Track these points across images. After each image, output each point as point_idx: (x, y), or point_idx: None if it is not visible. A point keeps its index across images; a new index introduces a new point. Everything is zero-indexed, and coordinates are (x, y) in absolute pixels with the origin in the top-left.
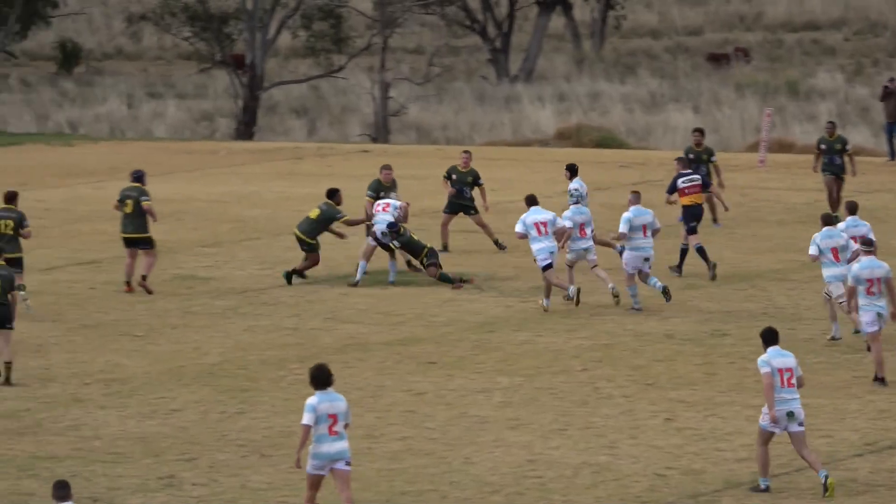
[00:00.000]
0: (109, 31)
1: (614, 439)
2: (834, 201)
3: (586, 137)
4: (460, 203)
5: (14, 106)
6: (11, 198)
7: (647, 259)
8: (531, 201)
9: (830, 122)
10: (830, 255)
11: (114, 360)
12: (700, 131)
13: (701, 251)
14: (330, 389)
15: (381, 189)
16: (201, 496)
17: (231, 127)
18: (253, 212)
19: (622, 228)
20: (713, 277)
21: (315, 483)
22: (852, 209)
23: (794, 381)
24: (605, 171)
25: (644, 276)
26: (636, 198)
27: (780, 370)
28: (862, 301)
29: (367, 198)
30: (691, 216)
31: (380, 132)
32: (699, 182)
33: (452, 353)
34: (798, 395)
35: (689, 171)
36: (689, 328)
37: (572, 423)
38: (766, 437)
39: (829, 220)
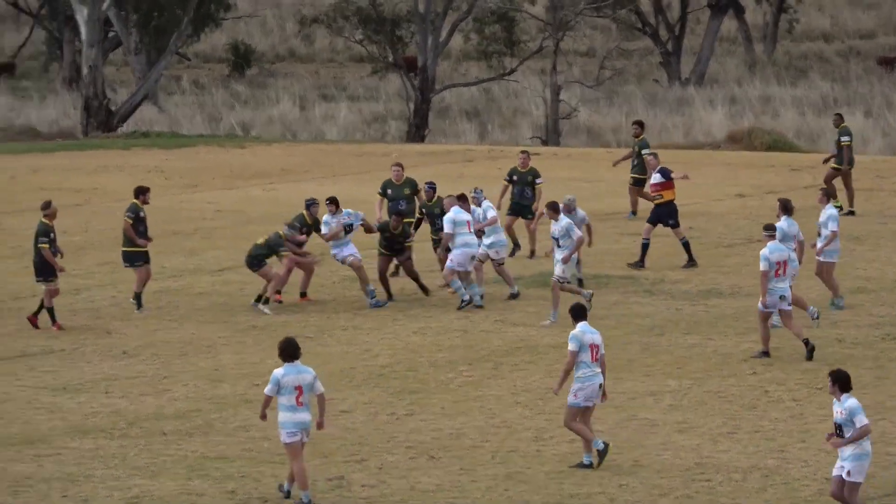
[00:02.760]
0: (282, 33)
1: (784, 443)
2: None
3: (757, 141)
4: (522, 204)
5: (187, 108)
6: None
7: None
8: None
9: None
10: None
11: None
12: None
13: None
14: (297, 362)
15: (389, 187)
16: (370, 497)
17: (402, 129)
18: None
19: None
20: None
21: (296, 451)
22: None
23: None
24: (776, 174)
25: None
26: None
27: (590, 345)
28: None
29: (379, 195)
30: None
31: (550, 135)
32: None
33: (621, 357)
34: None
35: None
36: (859, 332)
37: (741, 426)
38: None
39: None
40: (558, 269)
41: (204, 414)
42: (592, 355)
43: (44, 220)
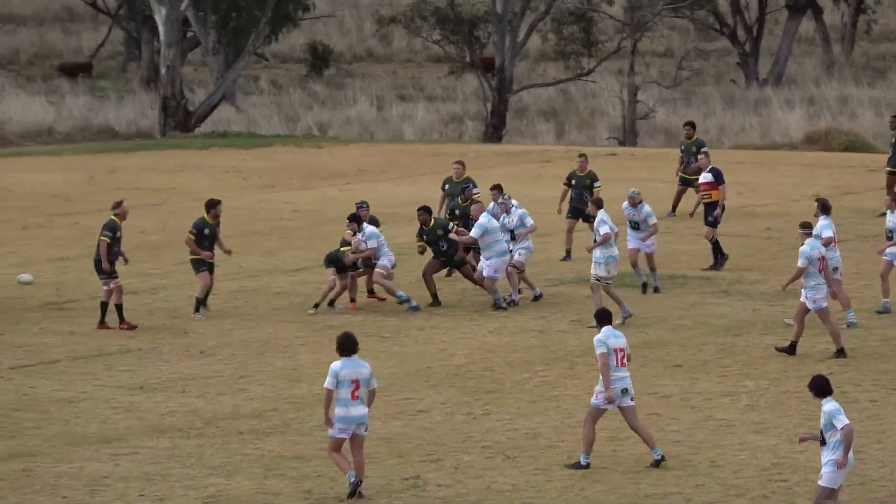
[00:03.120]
0: (360, 33)
1: (860, 443)
2: None
3: (835, 141)
4: (580, 208)
5: (264, 108)
6: None
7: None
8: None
9: None
10: None
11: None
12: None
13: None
14: (355, 356)
15: (448, 184)
16: (446, 497)
17: (479, 130)
18: None
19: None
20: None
21: (338, 446)
22: None
23: (626, 360)
24: (853, 175)
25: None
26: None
27: (615, 350)
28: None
29: (442, 191)
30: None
31: (627, 135)
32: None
33: (698, 357)
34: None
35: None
36: None
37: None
38: (597, 414)
39: None
40: (599, 270)
41: (281, 413)
42: (618, 359)
43: (113, 217)
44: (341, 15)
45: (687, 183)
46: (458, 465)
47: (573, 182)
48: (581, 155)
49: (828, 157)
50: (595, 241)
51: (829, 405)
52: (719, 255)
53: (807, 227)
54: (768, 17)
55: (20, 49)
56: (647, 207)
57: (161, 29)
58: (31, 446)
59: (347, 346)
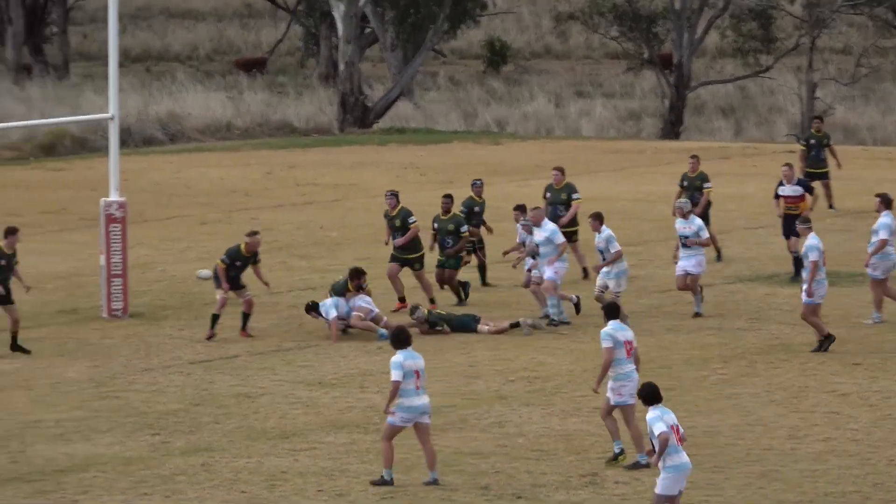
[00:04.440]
0: (538, 30)
1: None
2: None
3: None
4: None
5: (442, 104)
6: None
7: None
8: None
9: None
10: None
11: (538, 357)
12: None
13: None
14: (410, 348)
15: (549, 191)
16: (623, 494)
17: (657, 126)
18: None
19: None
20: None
21: (394, 434)
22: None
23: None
24: None
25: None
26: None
27: (624, 342)
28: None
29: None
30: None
31: (806, 132)
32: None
33: (877, 355)
34: None
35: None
36: None
37: None
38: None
39: None
40: (609, 282)
41: (458, 409)
42: (627, 352)
43: (243, 246)
44: (519, 11)
45: (814, 176)
46: (636, 463)
47: (685, 183)
48: (693, 156)
49: None
50: (604, 259)
51: (649, 414)
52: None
53: (807, 222)
54: None
55: (199, 45)
56: (698, 220)
57: (339, 25)
58: (210, 441)
59: (402, 338)
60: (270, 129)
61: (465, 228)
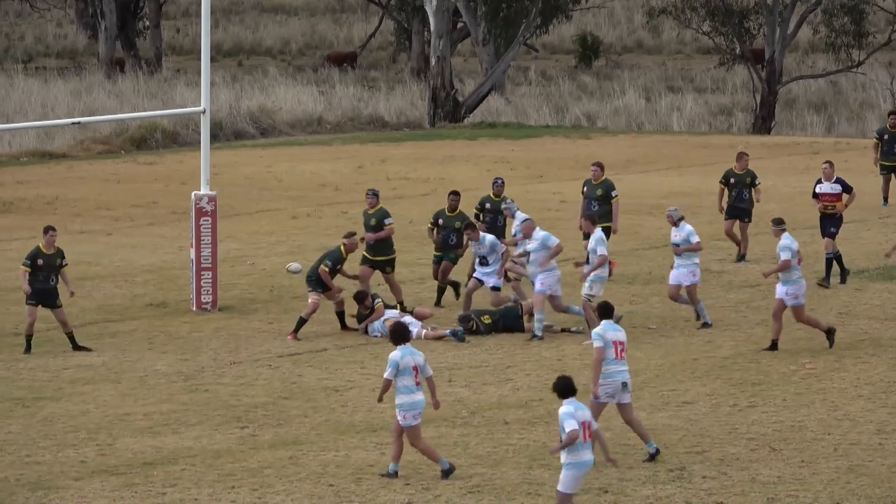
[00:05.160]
0: (630, 25)
1: None
2: None
3: None
4: (740, 207)
5: (533, 99)
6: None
7: None
8: None
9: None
10: None
11: (628, 352)
12: None
13: (830, 260)
14: (408, 345)
15: (586, 186)
16: (710, 489)
17: (748, 121)
18: (768, 205)
19: None
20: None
21: (418, 433)
22: None
23: (624, 353)
24: None
25: None
26: None
27: (614, 342)
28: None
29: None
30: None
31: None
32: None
33: None
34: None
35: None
36: None
37: None
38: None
39: None
40: (585, 286)
41: (546, 403)
42: (617, 352)
43: (342, 248)
44: (612, 6)
45: (890, 170)
46: (723, 457)
47: (732, 181)
48: (744, 153)
49: None
50: (588, 261)
51: (561, 409)
52: (844, 270)
53: (779, 224)
54: None
55: (291, 39)
56: (688, 226)
57: (431, 19)
58: (297, 434)
59: (400, 333)
60: (361, 124)
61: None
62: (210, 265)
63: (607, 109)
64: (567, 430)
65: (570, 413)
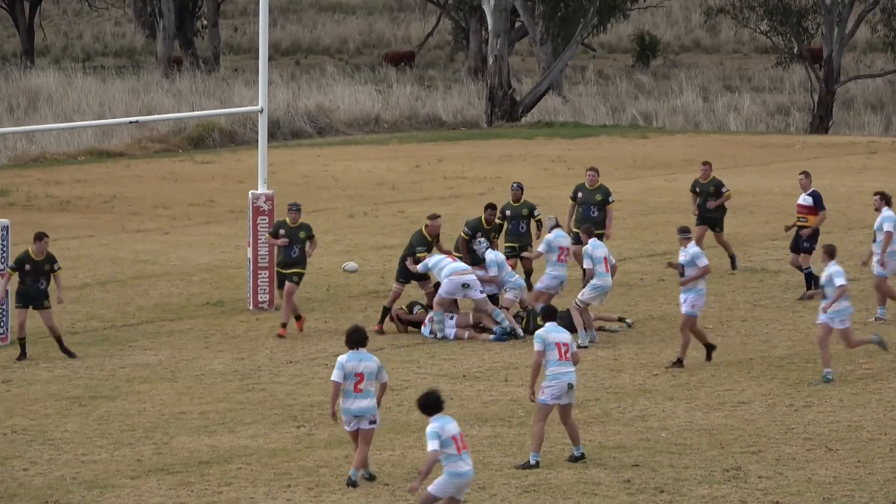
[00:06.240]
0: (687, 24)
1: None
2: None
3: None
4: (707, 216)
5: (590, 98)
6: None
7: None
8: None
9: None
10: None
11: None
12: None
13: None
14: (362, 350)
15: (581, 191)
16: (766, 489)
17: (806, 121)
18: (828, 205)
19: None
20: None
21: (353, 438)
22: None
23: (569, 355)
24: None
25: None
26: None
27: (557, 344)
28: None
29: (571, 199)
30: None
31: None
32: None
33: None
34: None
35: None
36: None
37: None
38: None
39: None
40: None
41: (602, 403)
42: (561, 353)
43: (424, 229)
44: (669, 5)
45: None
46: (779, 457)
47: (697, 190)
48: (705, 163)
49: None
50: (585, 271)
51: (430, 425)
52: (812, 284)
53: (685, 232)
54: None
55: (348, 38)
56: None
57: (489, 19)
58: None
59: (355, 338)
60: (418, 123)
61: (537, 212)
62: (267, 264)
63: (664, 109)
64: (429, 449)
65: (436, 433)
